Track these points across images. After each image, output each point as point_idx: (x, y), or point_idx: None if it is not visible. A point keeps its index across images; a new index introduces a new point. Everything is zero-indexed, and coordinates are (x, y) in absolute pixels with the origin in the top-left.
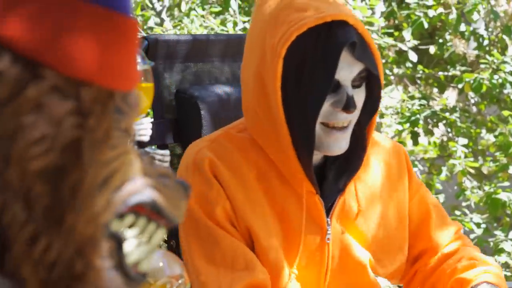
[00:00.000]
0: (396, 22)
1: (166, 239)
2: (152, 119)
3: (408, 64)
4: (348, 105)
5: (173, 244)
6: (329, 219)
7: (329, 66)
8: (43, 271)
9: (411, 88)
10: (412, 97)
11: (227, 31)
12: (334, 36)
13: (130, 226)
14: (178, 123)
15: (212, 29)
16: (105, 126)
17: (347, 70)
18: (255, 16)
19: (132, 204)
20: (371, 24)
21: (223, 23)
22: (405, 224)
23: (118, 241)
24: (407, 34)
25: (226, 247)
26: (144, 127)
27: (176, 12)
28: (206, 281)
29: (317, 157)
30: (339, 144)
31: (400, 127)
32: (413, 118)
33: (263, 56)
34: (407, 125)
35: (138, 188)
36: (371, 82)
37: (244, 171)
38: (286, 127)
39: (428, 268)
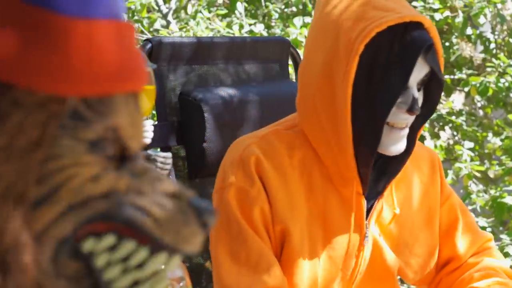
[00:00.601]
0: None
1: None
2: (154, 121)
3: None
4: (413, 107)
5: None
6: (367, 222)
7: (406, 67)
8: None
9: None
10: None
11: (233, 33)
12: (411, 37)
13: (113, 248)
14: (182, 125)
15: (218, 31)
16: (31, 133)
17: (417, 72)
18: (321, 11)
19: (104, 222)
20: None
21: (229, 25)
22: (435, 230)
23: (88, 262)
24: None
25: (253, 249)
26: (145, 130)
27: (182, 14)
28: (226, 278)
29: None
30: (398, 145)
31: None
32: None
33: (335, 50)
34: None
35: (112, 205)
36: (430, 85)
37: (288, 172)
38: (350, 123)
39: (452, 277)
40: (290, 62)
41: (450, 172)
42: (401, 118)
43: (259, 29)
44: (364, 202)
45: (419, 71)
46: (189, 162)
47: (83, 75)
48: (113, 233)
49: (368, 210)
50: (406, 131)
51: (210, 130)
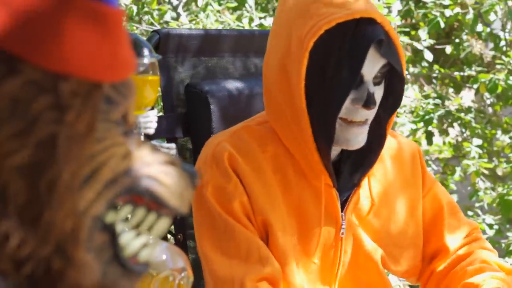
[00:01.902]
0: (413, 21)
1: (174, 232)
2: (158, 112)
3: (424, 64)
4: (369, 102)
5: (180, 238)
6: (343, 213)
7: (356, 62)
8: (18, 267)
9: (426, 88)
10: (426, 96)
11: (243, 26)
12: (361, 33)
13: (128, 217)
14: (188, 117)
15: (228, 24)
16: (87, 120)
17: (370, 66)
18: (280, 8)
19: (127, 195)
20: None
21: (239, 18)
22: (417, 220)
23: (112, 233)
24: (423, 33)
25: (241, 240)
26: (149, 120)
27: (193, 7)
28: (219, 271)
29: (333, 152)
30: (358, 139)
31: (414, 126)
32: (427, 117)
33: (288, 48)
34: (421, 124)
35: (133, 179)
36: (393, 79)
37: (262, 165)
38: (308, 119)
39: (443, 269)
40: None
41: (458, 169)
42: (359, 114)
43: (269, 22)
44: (336, 194)
45: (373, 65)
46: (195, 154)
47: (122, 61)
48: (130, 204)
49: (345, 202)
50: (366, 126)
51: (216, 122)
